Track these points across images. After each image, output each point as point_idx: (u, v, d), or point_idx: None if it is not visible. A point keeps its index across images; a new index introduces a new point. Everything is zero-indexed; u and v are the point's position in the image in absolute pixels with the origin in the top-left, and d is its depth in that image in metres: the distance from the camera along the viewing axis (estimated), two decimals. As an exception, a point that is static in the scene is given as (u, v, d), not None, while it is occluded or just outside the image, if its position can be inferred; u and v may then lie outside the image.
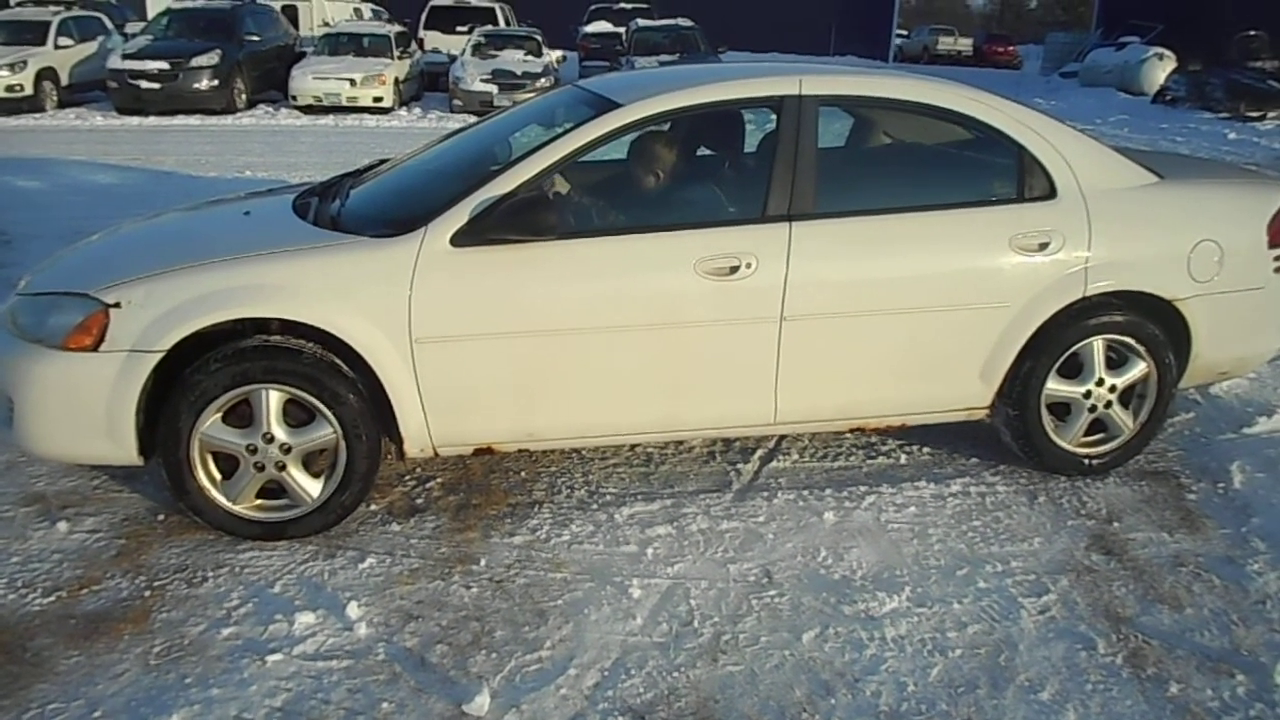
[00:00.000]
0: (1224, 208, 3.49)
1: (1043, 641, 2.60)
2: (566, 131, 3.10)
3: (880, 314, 3.16)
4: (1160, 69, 18.88)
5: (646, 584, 2.81)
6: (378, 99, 15.14)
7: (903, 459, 3.64)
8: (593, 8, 22.97)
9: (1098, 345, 3.36)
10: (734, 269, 3.03)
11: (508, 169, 3.02)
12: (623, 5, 22.85)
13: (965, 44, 39.91)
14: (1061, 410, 3.44)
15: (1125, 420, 3.46)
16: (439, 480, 3.40)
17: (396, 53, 16.19)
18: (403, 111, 15.70)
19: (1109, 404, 3.42)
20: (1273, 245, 3.43)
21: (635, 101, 3.16)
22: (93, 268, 3.05)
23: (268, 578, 2.80)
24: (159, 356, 2.78)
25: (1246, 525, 3.21)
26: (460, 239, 2.91)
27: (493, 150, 3.67)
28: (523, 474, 3.46)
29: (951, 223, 3.23)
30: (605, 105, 3.20)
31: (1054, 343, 3.29)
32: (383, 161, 3.98)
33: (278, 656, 2.45)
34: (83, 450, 2.92)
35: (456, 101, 15.43)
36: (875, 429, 3.46)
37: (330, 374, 2.89)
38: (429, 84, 17.94)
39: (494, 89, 15.15)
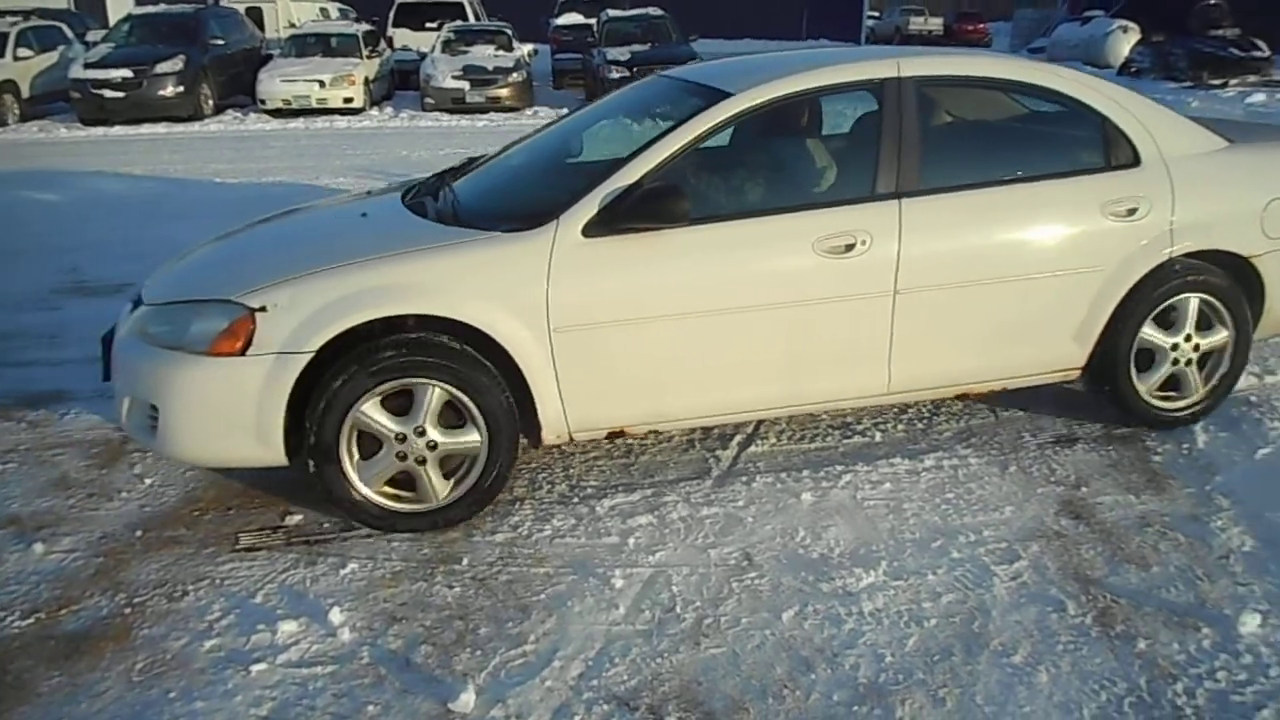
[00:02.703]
0: None
1: (1015, 606, 2.66)
2: (683, 121, 3.20)
3: (984, 283, 3.30)
4: (1125, 41, 19.00)
5: (629, 573, 2.85)
6: (348, 100, 15.07)
7: (878, 437, 3.69)
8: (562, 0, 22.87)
9: (1191, 303, 3.52)
10: (850, 246, 3.16)
11: (632, 159, 3.12)
12: (594, -4, 22.76)
13: (936, 23, 39.86)
14: (1145, 361, 3.57)
15: (1197, 381, 3.62)
16: (419, 481, 3.42)
17: (365, 52, 16.09)
18: (374, 111, 15.64)
19: (1190, 362, 3.58)
20: None
21: (747, 89, 3.27)
22: (223, 275, 3.13)
23: (249, 588, 2.81)
24: (308, 358, 2.87)
25: (1210, 484, 3.28)
26: (591, 229, 3.01)
27: (592, 143, 3.89)
28: (502, 470, 3.48)
29: (1047, 193, 3.37)
30: (715, 94, 3.30)
31: (1143, 303, 3.45)
32: (475, 159, 4.14)
33: (261, 666, 2.47)
34: (231, 453, 3.00)
35: (428, 99, 15.37)
36: (978, 394, 3.60)
37: (489, 380, 2.99)
38: (400, 82, 17.85)
39: (466, 85, 15.11)
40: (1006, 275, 3.30)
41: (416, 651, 2.53)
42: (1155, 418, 3.62)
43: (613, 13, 17.88)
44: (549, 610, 2.69)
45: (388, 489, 3.06)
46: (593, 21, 18.52)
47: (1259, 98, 14.96)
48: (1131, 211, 3.38)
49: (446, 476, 3.08)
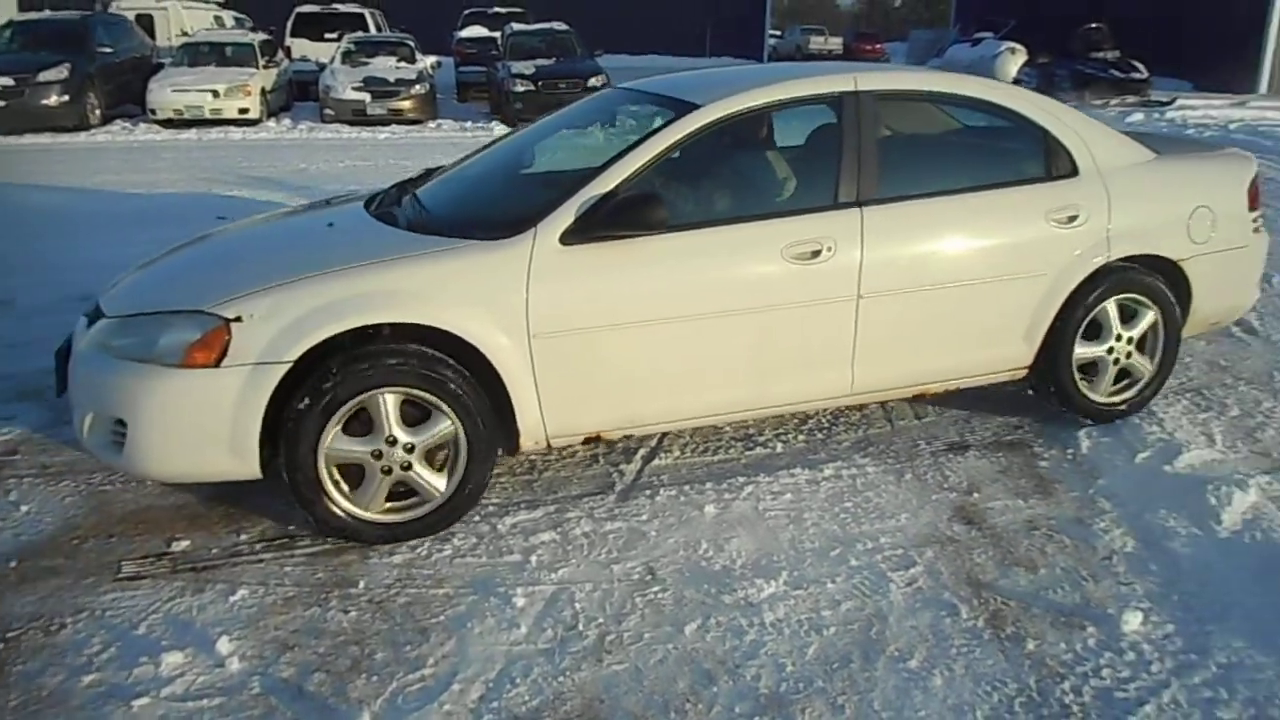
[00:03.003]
0: (1213, 178, 3.96)
1: (910, 612, 2.72)
2: (654, 131, 3.28)
3: (941, 287, 3.45)
4: (1013, 62, 19.80)
5: (531, 592, 2.81)
6: (243, 110, 14.63)
7: (779, 448, 3.73)
8: (466, 12, 22.71)
9: (1148, 316, 3.77)
10: (816, 253, 3.26)
11: (606, 168, 3.18)
12: (497, 10, 22.67)
13: (835, 43, 41.00)
14: (1089, 368, 3.80)
15: (1108, 385, 3.83)
16: (315, 503, 3.32)
17: (262, 62, 15.67)
18: (271, 123, 15.21)
19: (1116, 361, 3.79)
20: (1251, 209, 3.95)
21: (715, 101, 3.35)
22: (190, 286, 3.07)
23: (131, 619, 2.68)
24: (287, 367, 2.83)
25: (1094, 487, 3.42)
26: (569, 237, 3.06)
27: (557, 153, 4.04)
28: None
29: (996, 201, 3.56)
30: (683, 106, 3.38)
31: (1085, 303, 3.64)
32: (432, 169, 4.12)
33: (144, 700, 2.35)
34: (203, 468, 2.93)
35: (328, 111, 15.04)
36: (934, 394, 3.72)
37: (487, 419, 3.03)
38: (299, 94, 17.44)
39: (367, 97, 14.85)
40: (961, 279, 3.47)
41: (309, 680, 2.45)
42: (1071, 395, 3.77)
43: (517, 26, 17.83)
44: (448, 632, 2.64)
45: (334, 470, 3.02)
46: (497, 35, 18.43)
47: (1137, 117, 15.77)
48: (1072, 219, 3.58)
49: (387, 500, 3.05)
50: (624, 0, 31.75)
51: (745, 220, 3.33)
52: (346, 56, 15.98)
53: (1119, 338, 3.76)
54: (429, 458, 3.04)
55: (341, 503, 2.99)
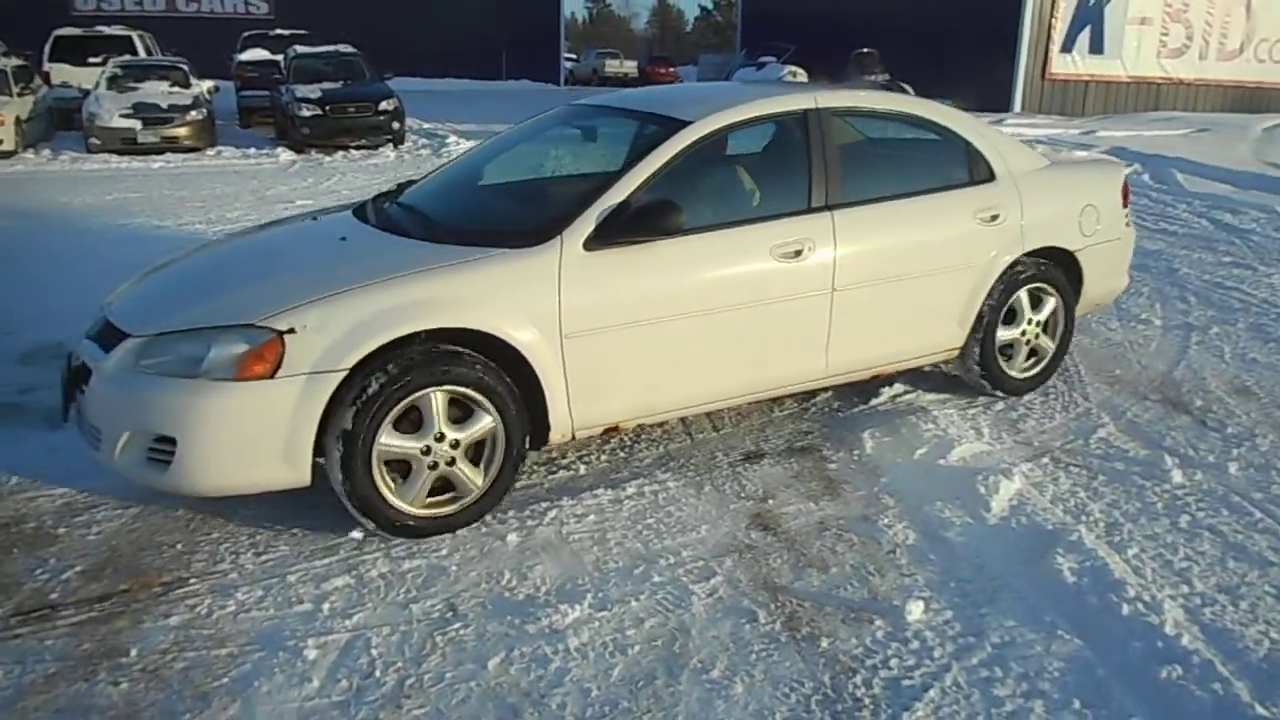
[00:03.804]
0: (1096, 180, 4.66)
1: (712, 622, 2.76)
2: (655, 145, 3.55)
3: (895, 280, 3.90)
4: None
5: (323, 642, 2.67)
6: (-5, 142, 13.29)
7: (582, 469, 3.73)
8: (246, 35, 21.61)
9: (1024, 294, 4.32)
10: (798, 252, 3.63)
11: (618, 180, 3.43)
12: (279, 32, 21.70)
13: (630, 66, 41.87)
14: (1006, 349, 4.36)
15: (1015, 365, 4.42)
16: (78, 568, 3.02)
17: (16, 89, 14.26)
18: (29, 154, 13.85)
19: (1028, 341, 4.40)
20: (1124, 205, 4.63)
21: (704, 117, 3.66)
22: (226, 301, 3.10)
23: None
24: (342, 375, 2.95)
25: (877, 485, 3.61)
26: (591, 243, 3.29)
27: (532, 163, 4.40)
28: (179, 547, 3.15)
29: (936, 203, 4.06)
30: (674, 123, 3.66)
31: (1007, 290, 4.21)
32: (405, 183, 4.29)
33: None
34: (255, 479, 3.00)
35: (94, 140, 13.86)
36: (888, 374, 4.26)
37: (522, 414, 3.26)
38: (62, 123, 16.03)
39: (137, 124, 13.79)
40: (911, 272, 3.92)
41: (70, 767, 2.22)
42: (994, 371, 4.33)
43: (301, 49, 17.09)
44: (233, 695, 2.45)
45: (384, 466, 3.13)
46: (280, 58, 17.63)
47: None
48: (994, 217, 4.12)
49: (429, 494, 3.20)
50: (417, 23, 31.24)
51: (739, 224, 3.63)
52: (113, 82, 14.82)
53: (1030, 321, 4.34)
54: (468, 453, 3.21)
55: (389, 496, 3.10)
